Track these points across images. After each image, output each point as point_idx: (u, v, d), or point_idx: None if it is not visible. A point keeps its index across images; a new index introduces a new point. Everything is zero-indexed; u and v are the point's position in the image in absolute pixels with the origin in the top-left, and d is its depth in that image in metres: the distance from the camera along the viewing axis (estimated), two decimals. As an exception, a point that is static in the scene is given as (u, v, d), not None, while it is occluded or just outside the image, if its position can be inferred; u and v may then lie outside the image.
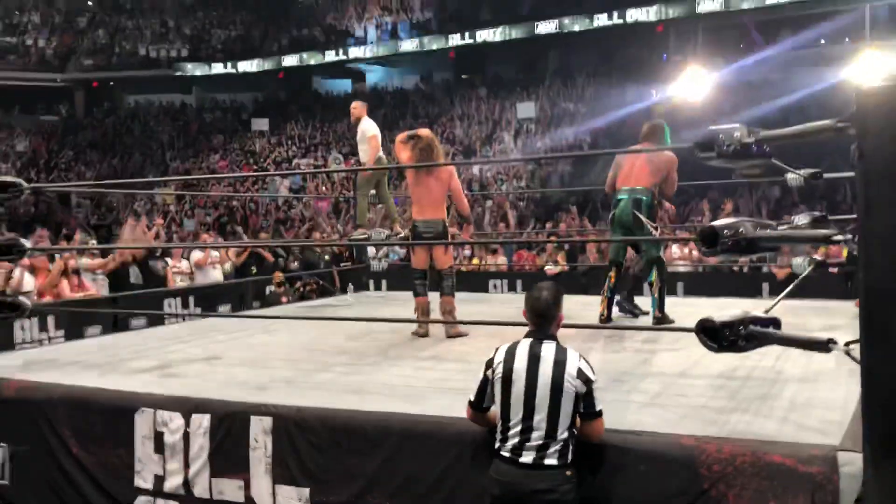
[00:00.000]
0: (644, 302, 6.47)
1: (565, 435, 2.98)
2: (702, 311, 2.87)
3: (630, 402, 3.64)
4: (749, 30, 19.17)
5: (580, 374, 3.00)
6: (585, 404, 3.01)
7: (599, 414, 3.03)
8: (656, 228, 5.96)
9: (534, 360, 3.02)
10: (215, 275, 10.74)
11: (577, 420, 3.04)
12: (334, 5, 29.60)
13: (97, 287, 9.40)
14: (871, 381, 2.55)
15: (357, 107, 7.88)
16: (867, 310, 2.55)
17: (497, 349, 3.15)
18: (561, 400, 2.96)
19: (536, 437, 2.96)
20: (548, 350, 3.04)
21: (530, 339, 3.10)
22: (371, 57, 27.55)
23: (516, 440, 2.99)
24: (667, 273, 6.27)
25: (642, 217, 5.85)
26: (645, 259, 6.18)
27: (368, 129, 7.67)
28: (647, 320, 6.16)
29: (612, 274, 6.17)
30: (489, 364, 3.13)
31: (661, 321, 5.85)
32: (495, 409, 3.10)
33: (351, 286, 9.83)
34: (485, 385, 3.12)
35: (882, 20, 21.23)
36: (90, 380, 4.44)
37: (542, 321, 3.12)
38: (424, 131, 6.08)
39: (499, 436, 3.05)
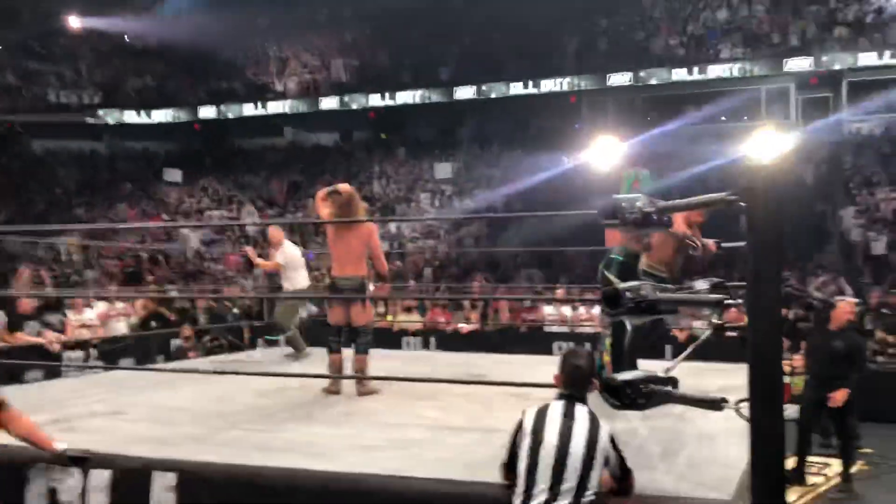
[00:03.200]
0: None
1: (591, 499, 2.94)
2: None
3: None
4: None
5: (612, 441, 3.02)
6: (621, 469, 3.04)
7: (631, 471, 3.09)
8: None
9: (567, 425, 2.99)
10: (120, 328, 10.40)
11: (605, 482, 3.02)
12: (255, 60, 29.59)
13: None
14: (757, 437, 2.70)
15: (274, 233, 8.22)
16: (754, 371, 2.71)
17: (525, 412, 3.10)
18: (592, 467, 2.94)
19: (562, 502, 2.90)
20: (581, 416, 3.02)
21: (562, 402, 3.07)
22: (290, 112, 27.49)
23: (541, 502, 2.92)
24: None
25: (609, 276, 5.40)
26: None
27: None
28: None
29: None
30: (519, 426, 3.07)
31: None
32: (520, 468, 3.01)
33: (261, 342, 9.65)
34: (515, 449, 3.05)
35: (776, 101, 22.81)
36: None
37: (577, 389, 3.11)
38: (344, 186, 5.93)
39: (520, 498, 2.95)
